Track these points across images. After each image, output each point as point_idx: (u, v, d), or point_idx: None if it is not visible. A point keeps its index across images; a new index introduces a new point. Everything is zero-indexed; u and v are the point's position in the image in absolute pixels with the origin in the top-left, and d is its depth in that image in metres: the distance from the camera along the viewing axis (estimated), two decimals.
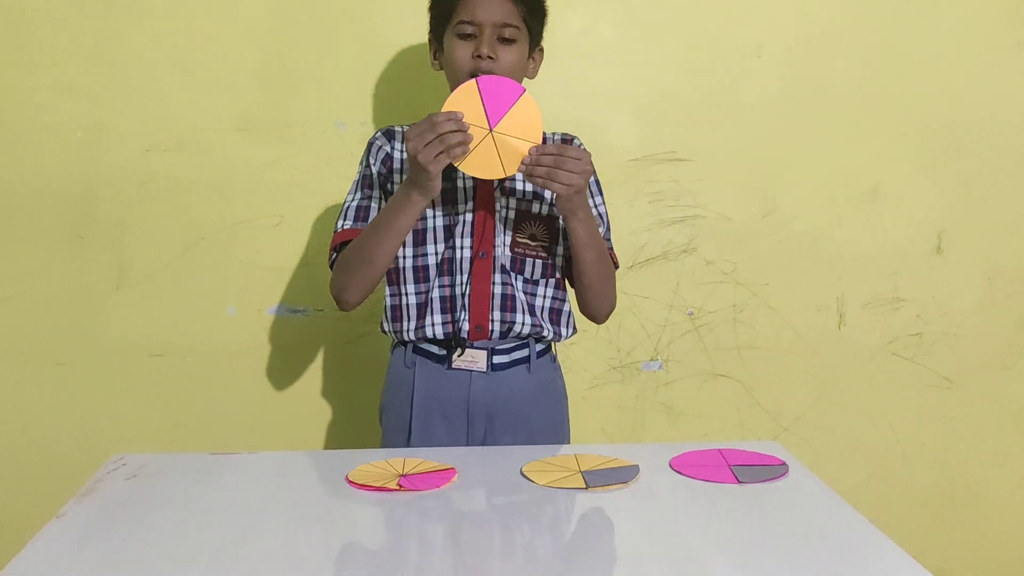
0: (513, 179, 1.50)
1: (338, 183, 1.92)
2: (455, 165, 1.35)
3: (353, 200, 1.51)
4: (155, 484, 1.19)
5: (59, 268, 1.93)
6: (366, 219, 1.48)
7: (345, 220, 1.49)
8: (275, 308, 1.97)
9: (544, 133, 1.56)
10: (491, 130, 1.34)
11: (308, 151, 1.93)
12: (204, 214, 1.93)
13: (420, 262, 1.49)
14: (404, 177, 1.46)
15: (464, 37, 1.43)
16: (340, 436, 2.01)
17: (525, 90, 1.36)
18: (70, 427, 1.98)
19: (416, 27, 1.87)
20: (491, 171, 1.36)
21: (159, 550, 1.00)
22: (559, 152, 1.34)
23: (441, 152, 1.31)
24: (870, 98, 2.00)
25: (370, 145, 1.53)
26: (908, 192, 2.03)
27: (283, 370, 1.99)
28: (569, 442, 1.59)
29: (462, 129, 1.32)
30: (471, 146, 1.34)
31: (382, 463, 1.25)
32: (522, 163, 1.35)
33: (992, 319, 2.08)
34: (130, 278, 1.94)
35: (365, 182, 1.52)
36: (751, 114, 1.99)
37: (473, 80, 1.35)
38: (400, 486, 1.17)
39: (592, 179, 1.56)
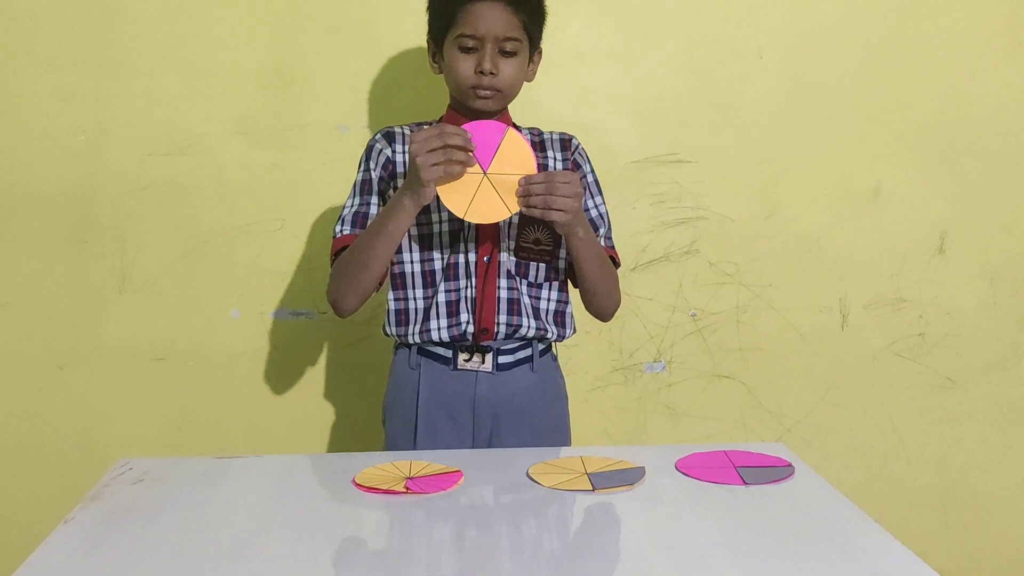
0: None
1: (340, 186, 1.92)
2: (459, 216, 1.37)
3: (352, 206, 1.50)
4: (161, 488, 1.19)
5: (61, 272, 1.93)
6: (364, 225, 1.48)
7: (343, 226, 1.49)
8: (277, 311, 1.97)
9: (542, 133, 1.57)
10: (485, 173, 1.36)
11: (309, 154, 1.93)
12: (206, 218, 1.93)
13: (427, 267, 1.49)
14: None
15: (465, 50, 1.43)
16: (344, 438, 2.01)
17: (508, 127, 1.38)
18: (73, 432, 1.97)
19: (417, 30, 1.87)
20: (495, 214, 1.38)
21: (167, 554, 1.00)
22: (548, 180, 1.35)
23: (440, 164, 1.32)
24: (871, 99, 2.00)
25: (370, 148, 1.53)
26: (910, 193, 2.03)
27: (286, 373, 1.99)
28: (571, 440, 1.60)
29: (468, 149, 1.33)
30: (470, 194, 1.36)
31: (388, 465, 1.25)
32: (518, 196, 1.37)
33: (994, 319, 2.08)
34: (132, 282, 1.94)
35: (364, 187, 1.51)
36: (752, 115, 1.99)
37: None
38: (407, 488, 1.17)
39: (591, 179, 1.57)
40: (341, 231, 1.48)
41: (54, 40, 1.87)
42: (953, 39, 2.00)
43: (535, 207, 1.35)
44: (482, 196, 1.37)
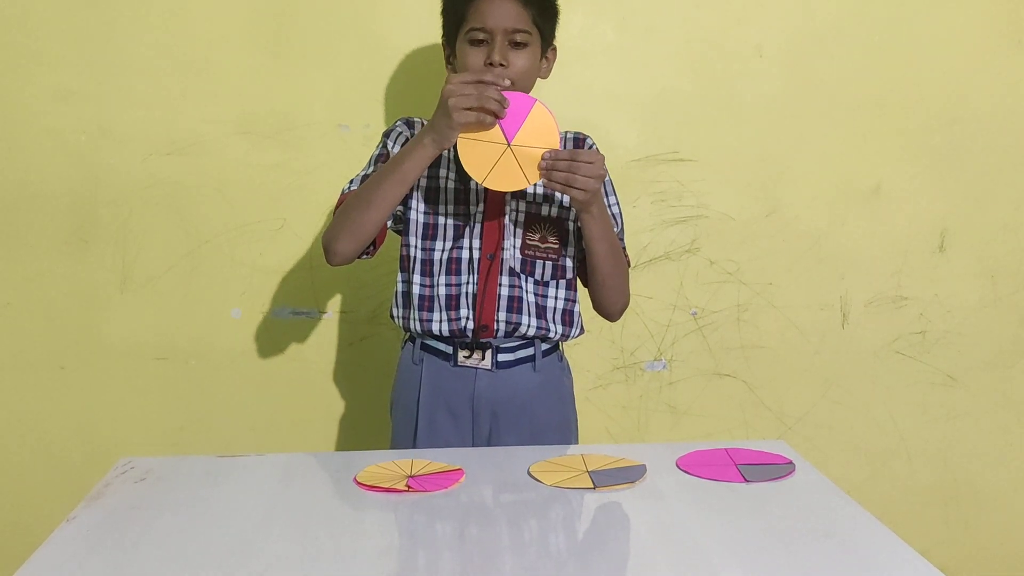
0: None
1: (341, 186, 1.92)
2: (479, 181, 1.37)
3: (365, 172, 1.50)
4: (164, 487, 1.19)
5: (62, 272, 1.94)
6: None
7: (352, 184, 1.49)
8: (278, 311, 1.97)
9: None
10: (509, 144, 1.36)
11: (311, 154, 1.93)
12: (207, 217, 1.94)
13: (427, 255, 1.50)
14: None
15: (476, 43, 1.44)
16: (346, 437, 2.02)
17: (536, 100, 1.37)
18: (75, 431, 1.98)
19: (419, 29, 1.88)
20: (514, 183, 1.38)
21: (169, 553, 1.01)
22: (572, 157, 1.35)
23: (472, 108, 1.32)
24: (871, 97, 2.00)
25: (391, 130, 1.54)
26: (910, 190, 2.03)
27: (287, 372, 2.00)
28: (577, 441, 1.60)
29: (502, 98, 1.33)
30: (492, 163, 1.36)
31: (390, 464, 1.26)
32: (539, 168, 1.36)
33: (995, 317, 2.08)
34: (134, 282, 1.95)
35: (380, 159, 1.51)
36: (753, 114, 1.99)
37: None
38: (409, 487, 1.18)
39: (606, 179, 1.56)
40: (349, 188, 1.48)
41: (54, 40, 1.87)
42: (953, 38, 2.00)
43: (557, 182, 1.35)
44: (504, 166, 1.36)
